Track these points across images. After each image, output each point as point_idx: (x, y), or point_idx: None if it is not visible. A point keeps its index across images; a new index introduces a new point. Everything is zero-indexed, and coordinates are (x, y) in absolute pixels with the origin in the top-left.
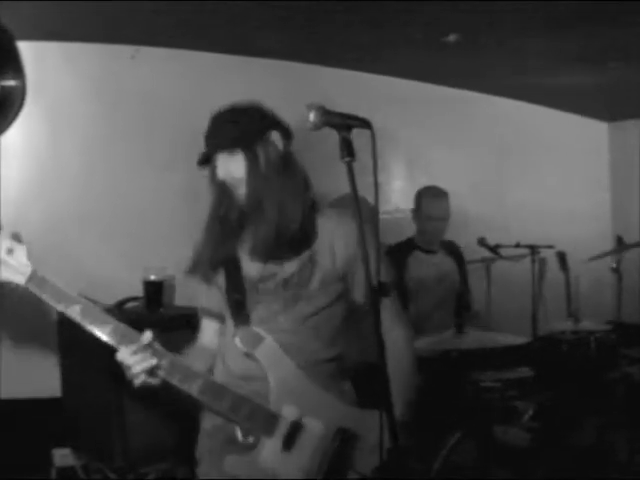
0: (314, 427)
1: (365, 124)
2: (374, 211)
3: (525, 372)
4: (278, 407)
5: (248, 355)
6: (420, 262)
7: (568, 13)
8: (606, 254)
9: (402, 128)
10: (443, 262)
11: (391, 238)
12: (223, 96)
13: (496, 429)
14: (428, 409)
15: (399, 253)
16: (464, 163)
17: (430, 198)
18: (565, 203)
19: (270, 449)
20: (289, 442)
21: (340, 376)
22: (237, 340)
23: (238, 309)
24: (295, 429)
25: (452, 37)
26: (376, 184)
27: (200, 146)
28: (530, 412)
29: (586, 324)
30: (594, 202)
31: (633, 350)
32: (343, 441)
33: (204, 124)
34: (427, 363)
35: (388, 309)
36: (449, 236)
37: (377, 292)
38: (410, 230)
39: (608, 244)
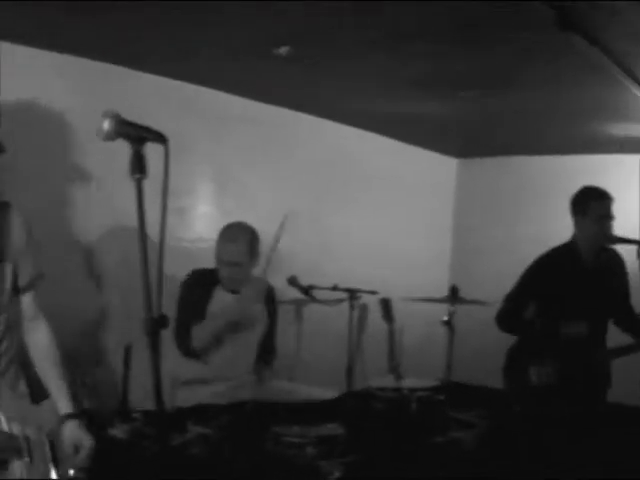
0: (33, 435)
1: (160, 138)
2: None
3: (334, 429)
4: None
5: None
6: (222, 299)
7: (415, 35)
8: (429, 300)
9: (215, 148)
10: (249, 302)
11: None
12: (15, 88)
13: None
14: (222, 463)
15: (201, 286)
16: (282, 191)
17: (224, 240)
18: (399, 244)
19: (20, 468)
20: (31, 456)
21: (16, 379)
22: None
23: None
24: (28, 442)
25: (283, 50)
26: (164, 205)
27: None
28: (336, 474)
29: (409, 381)
30: (434, 246)
31: (463, 413)
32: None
33: None
34: (221, 412)
35: (31, 302)
36: (259, 271)
37: (157, 324)
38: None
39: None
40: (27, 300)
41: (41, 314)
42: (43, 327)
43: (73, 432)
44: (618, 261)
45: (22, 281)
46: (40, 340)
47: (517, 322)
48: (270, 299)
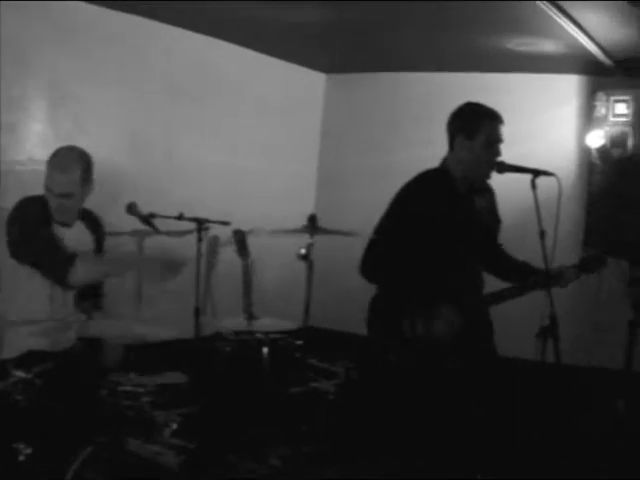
0: None
1: None
2: None
3: (175, 378)
4: None
5: None
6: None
7: None
8: (283, 232)
9: (56, 59)
10: (79, 237)
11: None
12: None
13: (135, 444)
14: (46, 412)
15: (31, 215)
16: (127, 109)
17: (54, 169)
18: (259, 169)
19: None
20: None
21: None
22: None
23: None
24: None
25: None
26: None
27: None
28: (173, 426)
29: (263, 323)
30: (298, 172)
31: (324, 362)
32: None
33: None
34: (48, 356)
35: None
36: (97, 200)
37: None
38: None
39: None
40: None
41: None
42: None
43: None
44: (491, 198)
45: None
46: None
47: (386, 267)
48: (98, 230)
